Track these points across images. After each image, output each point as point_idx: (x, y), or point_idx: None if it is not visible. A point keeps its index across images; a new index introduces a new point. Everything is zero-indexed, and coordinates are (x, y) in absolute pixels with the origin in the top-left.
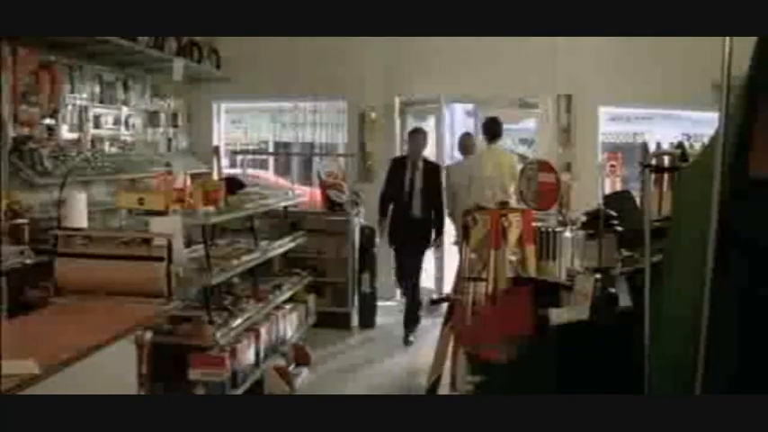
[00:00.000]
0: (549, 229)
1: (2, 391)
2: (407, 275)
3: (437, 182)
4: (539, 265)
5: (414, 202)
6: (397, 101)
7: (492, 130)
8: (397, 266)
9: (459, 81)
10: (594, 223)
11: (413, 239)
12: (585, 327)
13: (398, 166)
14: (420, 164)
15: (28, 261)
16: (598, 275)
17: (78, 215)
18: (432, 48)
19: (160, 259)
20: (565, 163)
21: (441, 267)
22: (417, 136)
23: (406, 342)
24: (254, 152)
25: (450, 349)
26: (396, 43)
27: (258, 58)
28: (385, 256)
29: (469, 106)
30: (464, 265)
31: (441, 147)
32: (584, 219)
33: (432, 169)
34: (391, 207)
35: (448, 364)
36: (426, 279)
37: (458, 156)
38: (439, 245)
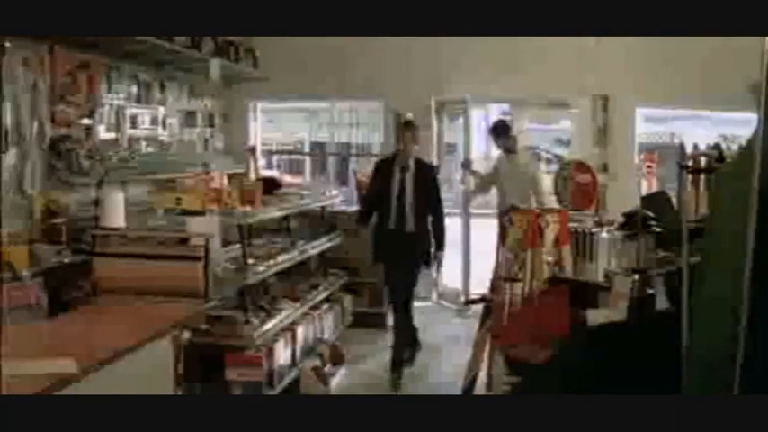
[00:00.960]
0: (586, 230)
1: (40, 391)
2: (397, 296)
3: (433, 185)
4: (575, 266)
5: (405, 211)
6: (432, 101)
7: (505, 131)
8: (389, 286)
9: (495, 81)
10: (632, 224)
11: (405, 254)
12: (623, 327)
13: (384, 168)
14: (411, 164)
15: (65, 261)
16: (635, 276)
17: (116, 215)
18: (468, 48)
19: (197, 259)
20: (601, 163)
21: (467, 267)
22: (406, 131)
23: (396, 385)
24: (289, 152)
25: (486, 350)
26: (432, 43)
27: (294, 58)
28: None
29: (505, 106)
30: (500, 265)
31: (468, 149)
32: (621, 219)
33: (426, 171)
34: (375, 221)
35: (484, 364)
36: (454, 279)
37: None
38: (439, 262)
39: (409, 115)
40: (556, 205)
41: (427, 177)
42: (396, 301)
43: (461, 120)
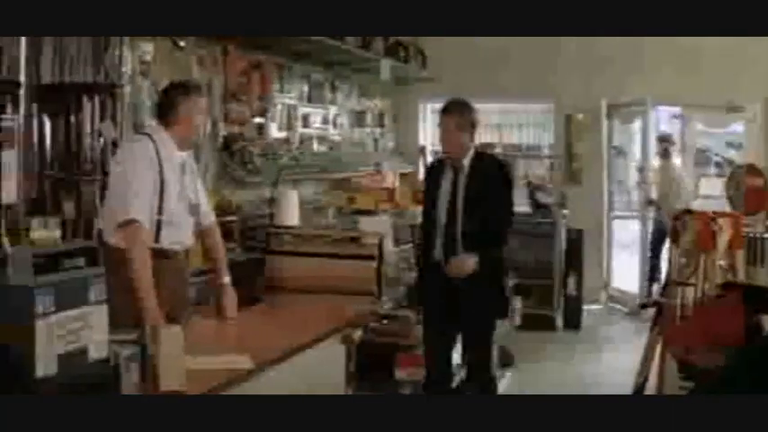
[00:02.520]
0: (757, 235)
1: (213, 387)
2: (434, 368)
3: (499, 192)
4: (748, 271)
5: (455, 232)
6: (603, 103)
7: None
8: (428, 350)
9: (665, 83)
10: None
11: (455, 301)
12: None
13: (433, 173)
14: (466, 164)
15: (238, 259)
16: None
17: (290, 213)
18: (639, 49)
19: (370, 258)
20: None
21: (645, 270)
22: (446, 117)
23: None
24: None
25: (657, 353)
26: (602, 44)
27: (464, 58)
28: (591, 258)
29: (676, 109)
30: (673, 269)
31: (646, 152)
32: None
33: (489, 172)
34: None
35: (654, 369)
36: (625, 281)
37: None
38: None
39: (579, 116)
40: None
41: (490, 181)
42: (433, 381)
43: (634, 123)
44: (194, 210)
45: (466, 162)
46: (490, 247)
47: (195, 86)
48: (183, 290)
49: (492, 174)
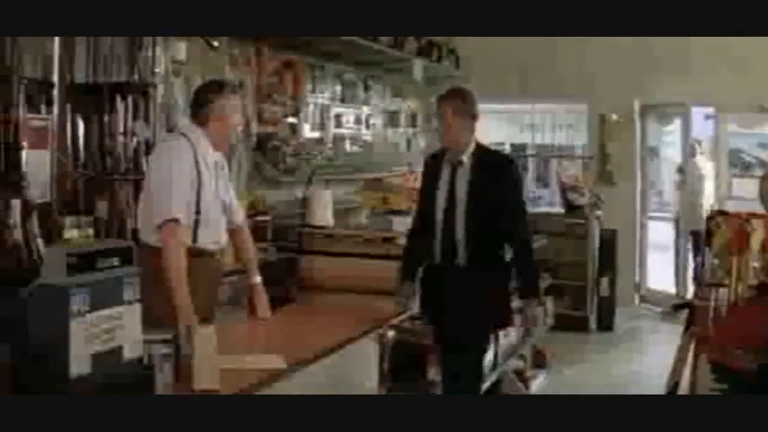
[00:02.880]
0: None
1: (246, 387)
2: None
3: (508, 190)
4: None
5: (454, 233)
6: (636, 103)
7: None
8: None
9: (698, 84)
10: None
11: (457, 308)
12: None
13: (431, 168)
14: (466, 159)
15: (271, 259)
16: None
17: (324, 213)
18: (673, 50)
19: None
20: None
21: (681, 272)
22: (444, 104)
23: None
24: None
25: (690, 354)
26: (636, 44)
27: (497, 58)
28: (624, 259)
29: (709, 109)
30: (706, 270)
31: (686, 153)
32: None
33: (494, 167)
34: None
35: (687, 370)
36: (659, 281)
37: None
38: (533, 320)
39: (613, 117)
40: None
41: (495, 177)
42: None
43: (672, 124)
44: (227, 210)
45: (466, 157)
46: (517, 254)
47: (229, 85)
48: (216, 289)
49: (499, 171)
